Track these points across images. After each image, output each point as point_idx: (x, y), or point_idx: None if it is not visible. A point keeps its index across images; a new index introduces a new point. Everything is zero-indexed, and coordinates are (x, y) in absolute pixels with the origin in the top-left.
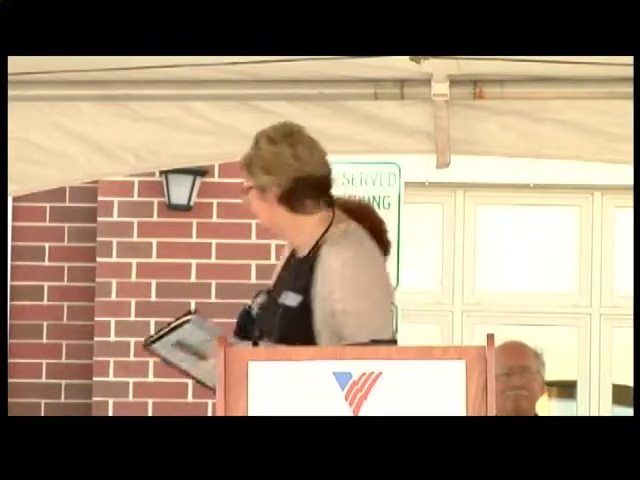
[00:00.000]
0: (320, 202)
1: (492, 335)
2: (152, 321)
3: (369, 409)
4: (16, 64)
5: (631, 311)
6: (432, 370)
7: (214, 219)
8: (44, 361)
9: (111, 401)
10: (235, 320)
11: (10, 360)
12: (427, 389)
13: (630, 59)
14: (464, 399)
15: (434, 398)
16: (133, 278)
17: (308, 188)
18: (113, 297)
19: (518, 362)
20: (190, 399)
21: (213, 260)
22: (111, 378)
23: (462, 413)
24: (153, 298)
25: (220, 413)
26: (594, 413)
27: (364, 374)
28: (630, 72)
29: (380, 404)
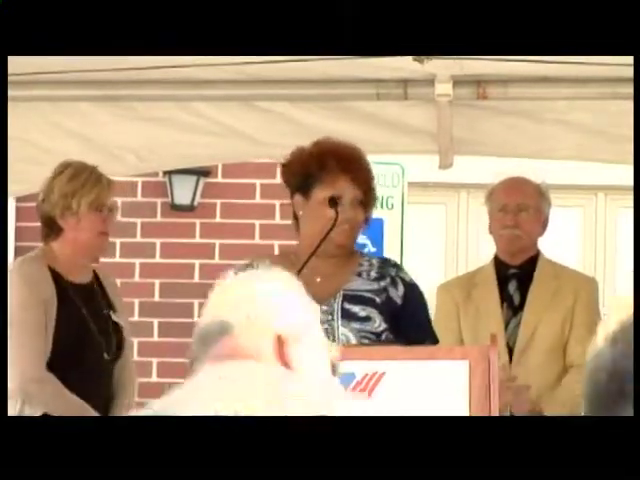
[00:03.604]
0: None
1: (495, 335)
2: (155, 321)
3: (372, 409)
4: (16, 64)
5: None
6: (436, 370)
7: (217, 219)
8: None
9: None
10: None
11: None
12: (431, 389)
13: (630, 59)
14: (467, 399)
15: (437, 398)
16: (136, 278)
17: None
18: None
19: (514, 199)
20: None
21: (216, 260)
22: None
23: (465, 413)
24: (156, 298)
25: None
26: None
27: (367, 374)
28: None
29: (383, 404)
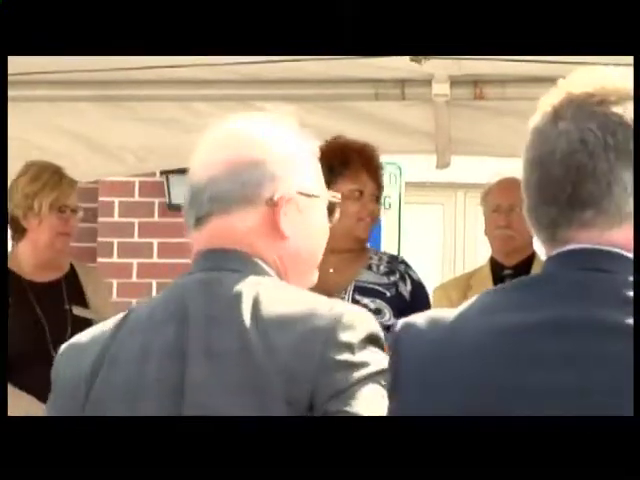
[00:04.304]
0: None
1: None
2: None
3: None
4: (16, 64)
5: None
6: None
7: None
8: None
9: None
10: None
11: None
12: None
13: (630, 59)
14: None
15: None
16: (134, 278)
17: None
18: (114, 297)
19: (507, 200)
20: None
21: None
22: None
23: None
24: None
25: None
26: None
27: None
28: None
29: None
